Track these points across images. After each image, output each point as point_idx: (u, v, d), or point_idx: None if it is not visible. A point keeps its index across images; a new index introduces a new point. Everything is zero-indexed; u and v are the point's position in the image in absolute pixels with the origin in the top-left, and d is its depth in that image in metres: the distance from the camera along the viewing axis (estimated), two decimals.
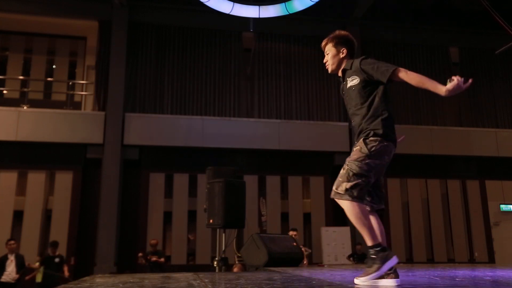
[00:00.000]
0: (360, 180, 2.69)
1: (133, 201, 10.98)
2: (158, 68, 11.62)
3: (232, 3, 10.62)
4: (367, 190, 2.78)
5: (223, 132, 11.18)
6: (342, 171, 2.77)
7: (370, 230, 2.65)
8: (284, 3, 10.78)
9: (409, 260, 11.69)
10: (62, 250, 9.98)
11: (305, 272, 4.24)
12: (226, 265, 6.21)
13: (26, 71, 12.53)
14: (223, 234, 6.22)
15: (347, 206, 2.69)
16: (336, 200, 2.74)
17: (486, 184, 12.52)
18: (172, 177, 11.33)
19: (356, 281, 2.63)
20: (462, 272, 4.29)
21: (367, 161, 2.73)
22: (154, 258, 9.39)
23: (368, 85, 2.87)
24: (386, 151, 2.83)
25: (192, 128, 11.18)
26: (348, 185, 2.68)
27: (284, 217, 11.48)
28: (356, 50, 3.08)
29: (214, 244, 8.83)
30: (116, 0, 11.19)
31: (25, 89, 12.02)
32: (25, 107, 11.08)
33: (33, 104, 11.38)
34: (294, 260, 6.07)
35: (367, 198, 2.83)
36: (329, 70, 3.09)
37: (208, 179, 6.39)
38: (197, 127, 11.19)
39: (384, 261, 2.58)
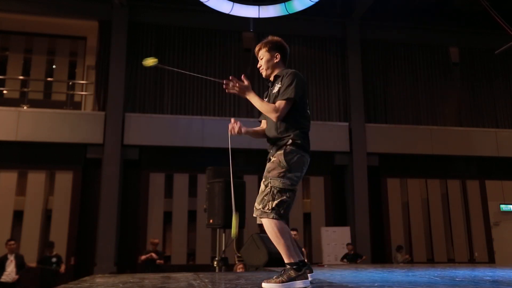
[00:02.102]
0: (285, 197, 2.68)
1: (133, 201, 10.98)
2: (158, 68, 11.57)
3: (232, 3, 10.62)
4: (291, 205, 2.77)
5: (223, 132, 11.14)
6: (264, 188, 2.73)
7: (288, 248, 2.66)
8: (284, 3, 10.77)
9: (409, 260, 11.69)
10: (62, 250, 9.99)
11: None
12: (226, 265, 6.21)
13: (26, 71, 12.53)
14: (223, 234, 6.23)
15: (269, 224, 2.67)
16: (260, 218, 2.72)
17: (486, 184, 12.52)
18: (172, 177, 11.33)
19: (263, 284, 2.64)
20: (462, 272, 4.29)
21: (288, 175, 2.70)
22: (155, 256, 9.37)
23: None
24: (303, 162, 2.79)
25: (192, 128, 11.18)
26: (274, 203, 2.66)
27: None
28: (288, 57, 3.10)
29: (214, 244, 8.83)
30: (116, 0, 11.19)
31: (25, 89, 12.03)
32: (25, 107, 11.08)
33: (33, 104, 11.38)
34: None
35: None
36: (263, 75, 3.08)
37: (208, 179, 6.40)
38: (197, 127, 11.19)
39: (291, 279, 2.60)
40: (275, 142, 2.81)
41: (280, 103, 2.79)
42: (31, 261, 9.21)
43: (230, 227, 6.15)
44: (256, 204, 2.73)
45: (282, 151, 2.74)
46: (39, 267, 9.11)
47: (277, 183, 2.68)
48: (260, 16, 10.86)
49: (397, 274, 4.12)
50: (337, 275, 3.90)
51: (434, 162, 12.31)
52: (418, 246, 11.93)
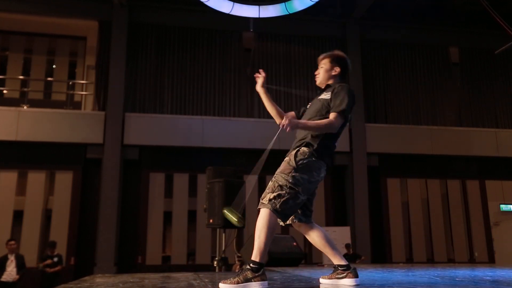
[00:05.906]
0: (283, 192, 2.71)
1: (133, 201, 10.97)
2: (158, 68, 11.61)
3: (232, 3, 10.61)
4: (294, 206, 2.78)
5: (223, 132, 11.18)
6: (270, 183, 2.81)
7: (265, 248, 2.69)
8: (284, 3, 10.76)
9: (409, 260, 11.68)
10: (62, 250, 9.99)
11: (305, 272, 4.24)
12: (226, 265, 6.21)
13: (26, 71, 12.52)
14: (223, 234, 6.23)
15: (261, 214, 2.71)
16: (260, 209, 2.76)
17: (486, 184, 12.51)
18: (172, 177, 11.32)
19: (221, 285, 2.61)
20: (462, 272, 4.29)
21: (293, 174, 2.76)
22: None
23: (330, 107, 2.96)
24: (315, 167, 2.84)
25: (192, 128, 11.17)
26: (272, 195, 2.72)
27: None
28: (348, 74, 3.18)
29: (214, 244, 8.83)
30: (116, 0, 11.18)
31: (25, 89, 12.02)
32: (25, 107, 11.07)
33: (33, 104, 11.37)
34: (294, 260, 6.08)
35: (298, 211, 2.89)
36: (317, 82, 3.18)
37: (208, 179, 6.39)
38: (197, 127, 11.18)
39: (247, 280, 2.59)
40: (294, 144, 2.93)
41: (333, 115, 2.87)
42: (31, 261, 9.19)
43: (230, 227, 6.16)
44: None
45: (294, 152, 2.84)
46: (41, 266, 9.05)
47: (280, 178, 2.77)
48: (260, 16, 10.84)
49: (397, 274, 4.12)
50: None
51: (434, 162, 12.31)
52: (418, 246, 11.92)
